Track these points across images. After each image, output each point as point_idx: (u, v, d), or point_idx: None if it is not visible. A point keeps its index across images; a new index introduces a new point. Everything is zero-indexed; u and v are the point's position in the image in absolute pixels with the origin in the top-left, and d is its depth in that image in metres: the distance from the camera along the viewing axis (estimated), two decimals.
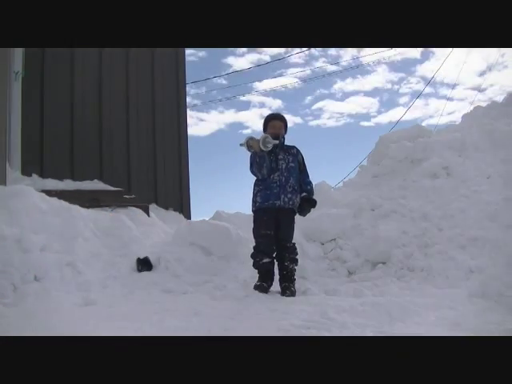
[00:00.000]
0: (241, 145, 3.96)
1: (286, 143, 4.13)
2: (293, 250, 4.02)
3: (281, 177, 3.96)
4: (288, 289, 3.83)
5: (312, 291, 3.96)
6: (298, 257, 4.06)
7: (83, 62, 7.46)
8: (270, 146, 3.88)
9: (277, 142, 3.95)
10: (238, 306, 3.22)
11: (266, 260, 3.93)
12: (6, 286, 3.28)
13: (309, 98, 28.46)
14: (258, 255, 3.95)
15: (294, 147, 4.15)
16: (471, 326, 2.53)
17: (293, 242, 4.05)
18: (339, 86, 28.21)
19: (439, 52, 21.21)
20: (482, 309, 3.00)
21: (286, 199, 3.95)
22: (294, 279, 3.97)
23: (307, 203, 4.09)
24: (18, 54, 6.14)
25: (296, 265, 4.01)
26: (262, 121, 4.27)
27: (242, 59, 26.85)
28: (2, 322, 2.53)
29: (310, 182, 4.16)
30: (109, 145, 7.62)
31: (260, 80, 22.54)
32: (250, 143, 3.88)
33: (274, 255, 4.01)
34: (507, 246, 4.19)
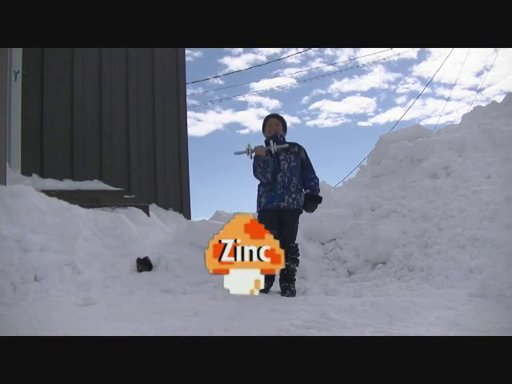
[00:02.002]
0: (237, 153, 3.98)
1: (286, 141, 4.13)
2: (295, 250, 4.02)
3: (284, 177, 3.97)
4: (288, 289, 3.83)
5: (312, 291, 3.96)
6: (299, 258, 4.07)
7: (83, 62, 7.45)
8: (279, 148, 3.95)
9: (287, 145, 4.01)
10: (238, 306, 3.21)
11: None
12: (5, 286, 3.29)
13: (306, 98, 28.44)
14: None
15: (295, 145, 4.14)
16: (471, 326, 2.52)
17: (296, 242, 4.06)
18: (336, 86, 28.12)
19: (436, 52, 21.22)
20: (481, 309, 2.99)
21: (291, 200, 3.95)
22: (294, 279, 3.97)
23: (310, 201, 4.08)
24: (17, 54, 6.14)
25: (297, 265, 4.02)
26: (261, 122, 4.31)
27: (238, 59, 26.87)
28: (2, 321, 2.53)
29: (314, 178, 4.12)
30: (109, 145, 7.63)
31: (257, 80, 22.58)
32: (255, 149, 3.94)
33: None
34: (507, 245, 4.20)
